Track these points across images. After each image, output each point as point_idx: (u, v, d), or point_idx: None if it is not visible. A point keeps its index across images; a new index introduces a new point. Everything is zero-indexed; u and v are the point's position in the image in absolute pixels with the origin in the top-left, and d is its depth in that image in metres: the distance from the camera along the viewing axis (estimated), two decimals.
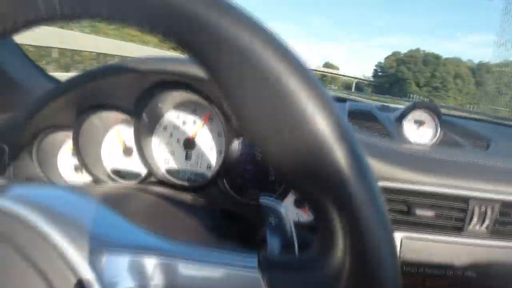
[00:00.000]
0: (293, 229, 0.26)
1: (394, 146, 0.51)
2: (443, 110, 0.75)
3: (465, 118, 1.03)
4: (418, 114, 0.73)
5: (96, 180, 0.58)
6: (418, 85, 50.94)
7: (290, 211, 0.54)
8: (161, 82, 0.51)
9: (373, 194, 0.18)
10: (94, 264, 0.20)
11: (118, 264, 0.21)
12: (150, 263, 0.22)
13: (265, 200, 0.27)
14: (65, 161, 0.62)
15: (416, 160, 0.49)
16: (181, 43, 0.18)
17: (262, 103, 0.18)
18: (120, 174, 0.60)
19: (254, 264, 0.22)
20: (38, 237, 0.20)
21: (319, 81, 0.19)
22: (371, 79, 60.96)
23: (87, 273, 0.20)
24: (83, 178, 0.61)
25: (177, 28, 0.18)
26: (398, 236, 0.48)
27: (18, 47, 0.67)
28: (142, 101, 0.53)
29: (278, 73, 0.17)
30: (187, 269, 0.22)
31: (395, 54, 57.39)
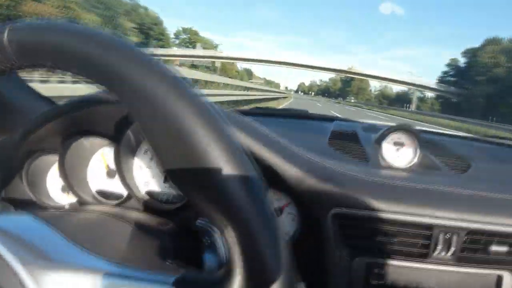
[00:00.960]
0: (223, 248, 0.29)
1: (362, 173, 0.53)
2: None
3: (449, 135, 1.03)
4: (398, 136, 0.74)
5: (81, 201, 0.61)
6: None
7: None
8: None
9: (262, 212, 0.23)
10: (38, 279, 0.24)
11: (58, 280, 0.25)
12: (80, 279, 0.25)
13: (199, 222, 0.31)
14: (53, 182, 0.65)
15: (381, 187, 0.50)
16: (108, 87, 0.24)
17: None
18: (104, 194, 0.63)
19: (170, 282, 0.24)
20: None
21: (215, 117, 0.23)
22: (434, 86, 38.17)
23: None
24: (70, 198, 0.64)
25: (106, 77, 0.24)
26: (364, 261, 0.49)
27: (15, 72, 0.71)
28: (122, 128, 0.56)
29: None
30: (108, 285, 0.25)
31: (493, 41, 30.49)
